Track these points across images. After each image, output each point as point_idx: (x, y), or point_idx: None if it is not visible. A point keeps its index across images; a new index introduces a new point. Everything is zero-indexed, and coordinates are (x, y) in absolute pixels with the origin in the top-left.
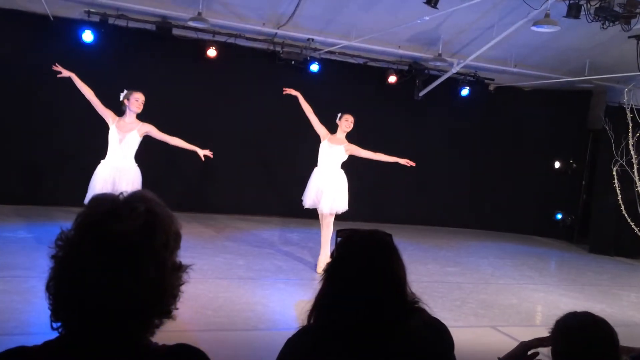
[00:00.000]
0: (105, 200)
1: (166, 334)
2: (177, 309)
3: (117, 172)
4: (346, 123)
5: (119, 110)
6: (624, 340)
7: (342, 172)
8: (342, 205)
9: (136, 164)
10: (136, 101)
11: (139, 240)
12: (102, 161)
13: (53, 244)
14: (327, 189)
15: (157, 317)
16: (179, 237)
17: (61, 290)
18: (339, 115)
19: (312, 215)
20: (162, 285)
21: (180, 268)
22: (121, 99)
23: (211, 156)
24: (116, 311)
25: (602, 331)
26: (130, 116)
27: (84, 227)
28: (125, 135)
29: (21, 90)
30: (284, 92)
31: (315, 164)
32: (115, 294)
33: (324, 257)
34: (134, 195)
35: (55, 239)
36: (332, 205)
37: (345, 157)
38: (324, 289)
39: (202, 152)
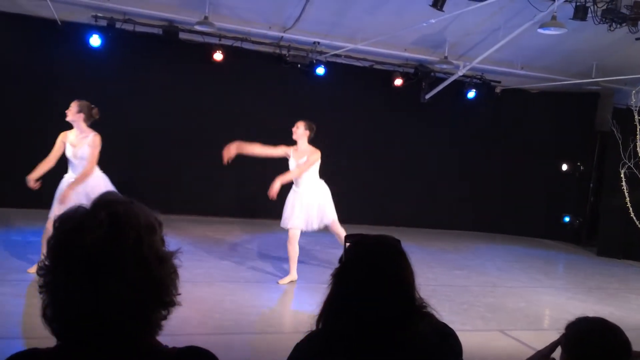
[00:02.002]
0: (68, 218)
1: (173, 338)
2: (179, 294)
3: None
4: (293, 129)
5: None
6: (634, 345)
7: (321, 182)
8: (331, 216)
9: (98, 170)
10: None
11: (108, 246)
12: (65, 175)
13: (37, 276)
14: (311, 206)
15: (160, 309)
16: (154, 228)
17: (56, 316)
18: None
19: None
20: (152, 278)
21: (165, 257)
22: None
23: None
24: (115, 319)
25: (616, 338)
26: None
27: (54, 251)
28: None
29: (30, 94)
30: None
31: (325, 167)
32: (105, 304)
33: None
34: (95, 203)
35: (37, 270)
36: (322, 220)
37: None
38: (333, 293)
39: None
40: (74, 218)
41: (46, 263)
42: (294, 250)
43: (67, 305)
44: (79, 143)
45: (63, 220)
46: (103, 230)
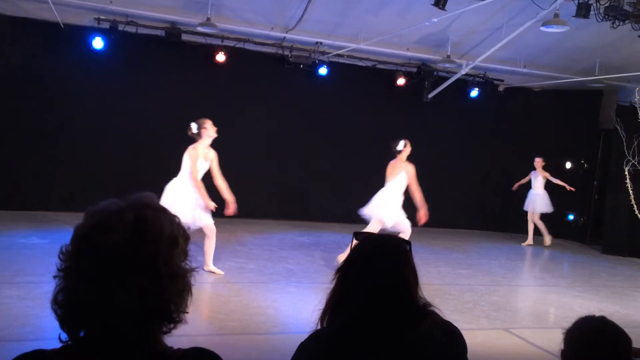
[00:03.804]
0: (99, 212)
1: (178, 339)
2: (187, 312)
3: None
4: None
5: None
6: (639, 342)
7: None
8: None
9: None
10: (212, 127)
11: (124, 250)
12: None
13: (58, 259)
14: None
15: (162, 325)
16: (176, 242)
17: (65, 303)
18: (404, 142)
19: (322, 219)
20: (159, 293)
21: (179, 274)
22: (196, 130)
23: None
24: (116, 323)
25: (613, 337)
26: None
27: (76, 241)
28: (207, 163)
29: (34, 97)
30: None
31: (328, 167)
32: (108, 307)
33: None
34: (128, 203)
35: (58, 254)
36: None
37: None
38: (336, 290)
39: (231, 208)
40: (102, 213)
41: (69, 249)
42: None
43: (74, 296)
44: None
45: (94, 212)
46: (124, 233)
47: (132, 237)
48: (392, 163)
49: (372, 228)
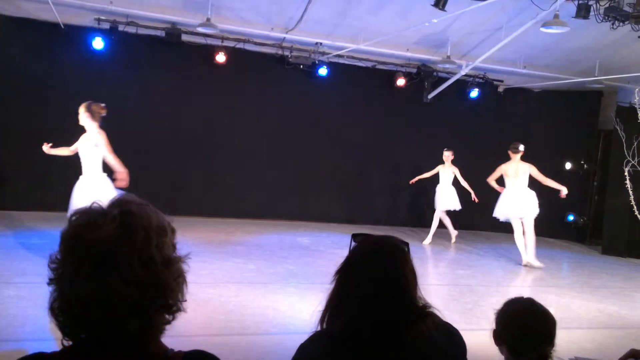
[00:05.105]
0: (83, 213)
1: (177, 339)
2: (185, 300)
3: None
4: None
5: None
6: (638, 343)
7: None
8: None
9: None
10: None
11: (116, 243)
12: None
13: (48, 268)
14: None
15: (163, 312)
16: (165, 231)
17: (62, 309)
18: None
19: (322, 219)
20: (156, 281)
21: (172, 261)
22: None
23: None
24: (117, 316)
25: (541, 317)
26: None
27: (65, 245)
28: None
29: (34, 97)
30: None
31: (327, 167)
32: (108, 300)
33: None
34: (110, 202)
35: (48, 263)
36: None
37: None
38: (336, 291)
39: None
40: (88, 213)
41: (57, 256)
42: None
43: (72, 298)
44: (85, 144)
45: (78, 215)
46: (114, 227)
47: (121, 228)
48: (509, 163)
49: (516, 226)
